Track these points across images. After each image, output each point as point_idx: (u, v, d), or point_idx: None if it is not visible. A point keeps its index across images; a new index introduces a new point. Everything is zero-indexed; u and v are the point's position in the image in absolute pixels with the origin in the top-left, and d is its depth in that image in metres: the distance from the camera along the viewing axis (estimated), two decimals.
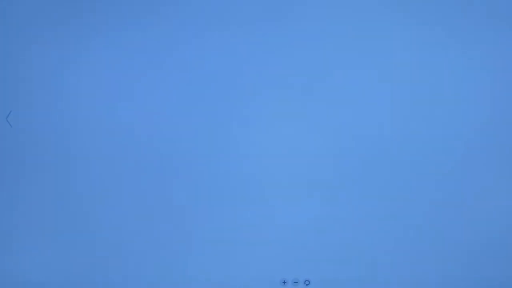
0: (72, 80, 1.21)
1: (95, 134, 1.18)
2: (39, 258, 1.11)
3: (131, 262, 1.10)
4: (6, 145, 1.17)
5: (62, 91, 1.20)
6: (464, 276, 1.09)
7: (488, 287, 1.08)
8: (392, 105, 1.11)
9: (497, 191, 1.12)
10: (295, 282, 1.06)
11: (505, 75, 1.13)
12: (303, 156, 1.10)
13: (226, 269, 1.08)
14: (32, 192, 1.15)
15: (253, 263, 1.08)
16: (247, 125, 1.11)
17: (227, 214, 1.06)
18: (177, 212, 1.10)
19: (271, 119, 1.11)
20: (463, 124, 1.12)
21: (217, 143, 1.11)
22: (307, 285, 1.06)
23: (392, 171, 1.09)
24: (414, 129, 1.10)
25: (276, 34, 1.18)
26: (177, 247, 1.10)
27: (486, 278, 1.08)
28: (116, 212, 1.13)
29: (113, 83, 1.21)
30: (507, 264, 1.09)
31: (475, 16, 1.13)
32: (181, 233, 1.11)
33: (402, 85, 1.12)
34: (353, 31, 1.13)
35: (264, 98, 1.12)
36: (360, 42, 1.13)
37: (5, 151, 1.17)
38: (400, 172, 1.10)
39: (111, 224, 1.12)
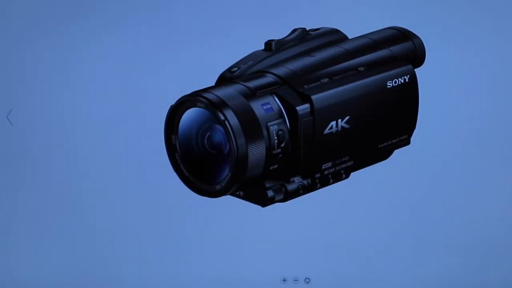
0: (72, 78, 1.21)
1: (95, 132, 1.18)
2: (38, 258, 1.11)
3: (130, 261, 1.10)
4: (7, 143, 1.18)
5: (63, 89, 1.21)
6: (464, 276, 1.09)
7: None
8: None
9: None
10: (295, 280, 1.06)
11: None
12: None
13: (225, 267, 1.08)
14: (32, 191, 1.15)
15: (252, 261, 1.08)
16: None
17: (226, 211, 1.07)
18: (176, 209, 1.10)
19: None
20: None
21: None
22: (307, 283, 1.06)
23: (392, 171, 1.09)
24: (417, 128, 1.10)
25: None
26: (175, 245, 1.10)
27: (487, 279, 1.08)
28: (117, 211, 1.13)
29: (114, 83, 1.21)
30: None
31: None
32: (179, 230, 1.11)
33: None
34: None
35: None
36: None
37: (5, 149, 1.18)
38: (400, 171, 1.11)
39: (112, 224, 1.12)
